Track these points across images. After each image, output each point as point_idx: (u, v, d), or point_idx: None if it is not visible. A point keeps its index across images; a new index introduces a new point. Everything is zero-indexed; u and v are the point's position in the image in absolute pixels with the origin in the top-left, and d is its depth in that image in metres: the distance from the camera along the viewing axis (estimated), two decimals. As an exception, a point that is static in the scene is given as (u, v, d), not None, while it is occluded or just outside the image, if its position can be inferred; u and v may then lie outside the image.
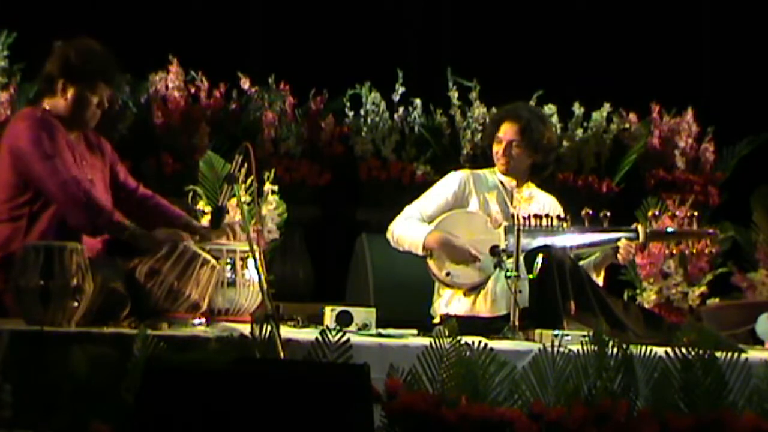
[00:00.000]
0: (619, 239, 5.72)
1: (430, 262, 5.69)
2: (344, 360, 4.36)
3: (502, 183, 5.87)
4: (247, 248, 5.08)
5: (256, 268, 4.80)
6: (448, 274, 5.66)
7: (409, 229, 5.73)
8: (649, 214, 6.24)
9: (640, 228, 5.80)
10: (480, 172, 5.94)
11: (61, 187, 4.94)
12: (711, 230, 6.10)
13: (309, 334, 4.67)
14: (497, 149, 5.84)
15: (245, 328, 4.56)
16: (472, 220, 5.73)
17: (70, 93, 5.09)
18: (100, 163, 5.26)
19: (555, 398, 4.49)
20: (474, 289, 5.66)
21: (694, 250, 6.47)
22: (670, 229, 6.05)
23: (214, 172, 6.17)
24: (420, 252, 5.68)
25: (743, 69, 7.90)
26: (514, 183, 5.86)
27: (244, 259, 5.31)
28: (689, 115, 7.58)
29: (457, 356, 4.47)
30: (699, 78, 7.98)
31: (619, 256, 5.71)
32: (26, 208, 5.01)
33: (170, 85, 6.98)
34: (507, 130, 5.81)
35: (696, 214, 6.14)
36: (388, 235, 5.80)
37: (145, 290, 4.89)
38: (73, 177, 4.96)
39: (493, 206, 5.80)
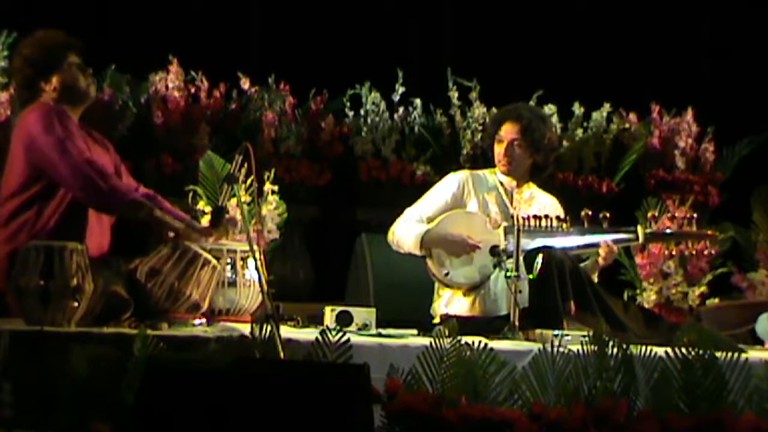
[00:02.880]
0: (617, 240, 5.72)
1: (430, 262, 5.68)
2: (344, 360, 4.35)
3: (502, 183, 5.87)
4: (247, 248, 5.08)
5: (256, 268, 4.80)
6: (447, 273, 5.65)
7: (408, 230, 5.73)
8: (649, 215, 6.24)
9: (639, 229, 5.80)
10: (479, 172, 5.93)
11: (74, 170, 4.92)
12: (710, 232, 6.09)
13: (309, 334, 4.67)
14: (498, 149, 5.84)
15: (245, 328, 4.56)
16: (471, 220, 5.73)
17: (53, 81, 5.09)
18: (107, 158, 5.27)
19: (555, 398, 4.48)
20: (474, 289, 5.66)
21: (693, 252, 6.47)
22: (669, 231, 6.05)
23: (214, 172, 6.17)
24: (419, 251, 5.68)
25: (743, 69, 7.90)
26: (514, 183, 5.86)
27: (244, 259, 5.31)
28: (689, 115, 7.58)
29: (457, 356, 4.47)
30: (699, 78, 7.97)
31: (600, 260, 5.70)
32: (35, 205, 5.00)
33: (170, 85, 6.97)
34: (508, 130, 5.81)
35: (696, 215, 6.14)
36: (389, 239, 5.80)
37: (146, 290, 4.90)
38: (85, 159, 4.96)
39: (492, 207, 5.80)
